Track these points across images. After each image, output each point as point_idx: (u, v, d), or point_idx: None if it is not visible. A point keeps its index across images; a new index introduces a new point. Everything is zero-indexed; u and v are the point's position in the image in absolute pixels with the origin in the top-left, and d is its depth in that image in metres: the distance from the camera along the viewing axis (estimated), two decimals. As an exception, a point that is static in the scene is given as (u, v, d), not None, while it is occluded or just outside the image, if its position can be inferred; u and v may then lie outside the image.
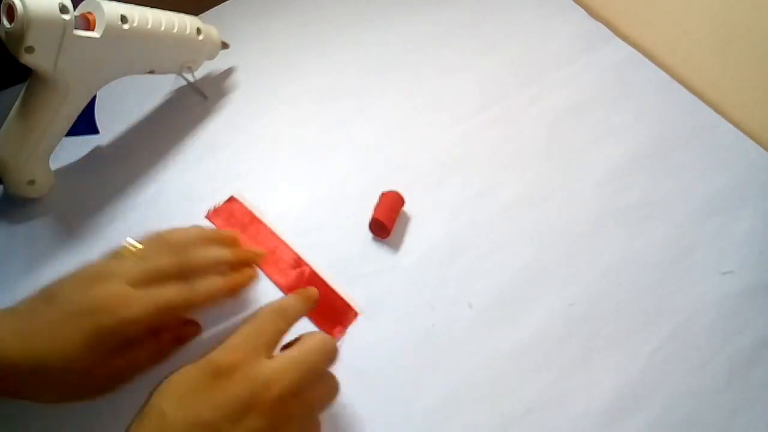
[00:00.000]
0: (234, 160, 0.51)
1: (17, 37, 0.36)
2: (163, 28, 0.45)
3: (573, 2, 0.64)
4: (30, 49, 0.36)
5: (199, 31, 0.49)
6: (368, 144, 0.52)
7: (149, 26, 0.43)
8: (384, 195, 0.46)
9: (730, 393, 0.40)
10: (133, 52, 0.44)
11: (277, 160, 0.51)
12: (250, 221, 0.46)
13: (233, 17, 0.61)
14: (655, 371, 0.41)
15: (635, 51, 0.60)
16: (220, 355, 0.30)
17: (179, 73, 0.52)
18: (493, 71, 0.58)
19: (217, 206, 0.47)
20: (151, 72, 0.48)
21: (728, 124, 0.54)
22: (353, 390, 0.39)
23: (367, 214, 0.46)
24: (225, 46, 0.55)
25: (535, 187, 0.50)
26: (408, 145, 0.52)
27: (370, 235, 0.46)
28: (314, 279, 0.44)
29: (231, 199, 0.48)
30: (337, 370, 0.40)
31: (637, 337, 0.42)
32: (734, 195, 0.50)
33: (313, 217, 0.48)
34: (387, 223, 0.45)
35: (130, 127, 0.53)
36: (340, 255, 0.45)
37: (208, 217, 0.47)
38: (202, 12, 0.61)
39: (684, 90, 0.57)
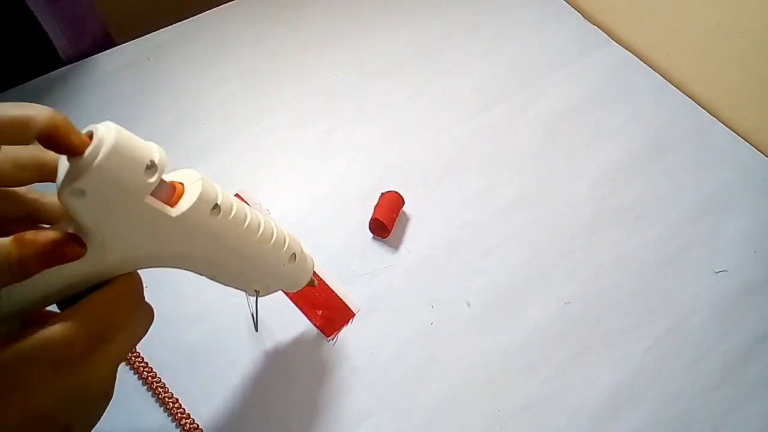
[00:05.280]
0: (235, 161, 0.51)
1: (76, 170, 0.24)
2: (256, 238, 0.33)
3: (569, 7, 0.65)
4: (79, 193, 0.24)
5: (294, 257, 0.36)
6: (368, 144, 0.53)
7: (242, 228, 0.31)
8: (384, 195, 0.47)
9: (723, 390, 0.41)
10: (204, 252, 0.31)
11: (278, 161, 0.51)
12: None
13: (235, 19, 0.62)
14: (650, 369, 0.41)
15: (630, 54, 0.61)
16: None
17: (242, 289, 0.36)
18: (491, 74, 0.58)
19: None
20: (211, 278, 0.34)
21: (722, 125, 0.55)
22: (353, 387, 0.40)
23: (367, 214, 0.46)
24: (311, 283, 0.39)
25: (532, 187, 0.50)
26: (408, 146, 0.53)
27: (370, 235, 0.47)
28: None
29: (235, 197, 0.48)
30: (338, 368, 0.41)
31: (632, 335, 0.43)
32: (728, 195, 0.50)
33: (313, 217, 0.48)
34: (387, 223, 0.45)
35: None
36: (340, 255, 0.46)
37: None
38: (204, 12, 0.61)
39: (678, 92, 0.58)
